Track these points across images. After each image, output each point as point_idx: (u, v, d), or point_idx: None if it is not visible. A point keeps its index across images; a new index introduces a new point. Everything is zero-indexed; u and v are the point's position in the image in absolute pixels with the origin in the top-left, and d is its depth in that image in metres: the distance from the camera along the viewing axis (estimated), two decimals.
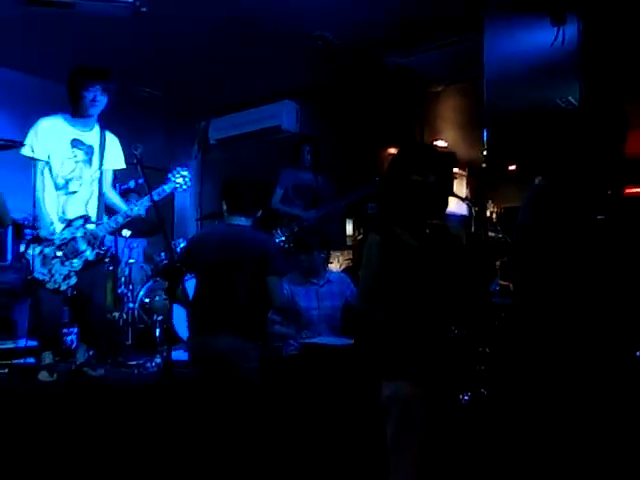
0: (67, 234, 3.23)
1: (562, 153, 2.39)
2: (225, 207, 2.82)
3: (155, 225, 3.01)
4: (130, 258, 4.62)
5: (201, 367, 2.61)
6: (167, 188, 3.28)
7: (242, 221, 2.77)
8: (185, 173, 3.31)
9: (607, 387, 1.86)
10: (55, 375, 3.22)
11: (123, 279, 4.48)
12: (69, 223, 3.24)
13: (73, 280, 3.20)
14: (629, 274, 2.01)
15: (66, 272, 3.18)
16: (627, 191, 2.43)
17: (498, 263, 4.83)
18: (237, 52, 4.61)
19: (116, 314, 4.23)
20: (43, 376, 3.19)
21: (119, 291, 4.35)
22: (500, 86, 3.85)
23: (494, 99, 3.93)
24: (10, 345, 3.79)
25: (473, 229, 1.90)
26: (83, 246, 3.21)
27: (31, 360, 3.47)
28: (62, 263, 3.19)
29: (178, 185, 3.29)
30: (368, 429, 2.17)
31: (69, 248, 3.21)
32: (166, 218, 6.24)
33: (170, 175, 3.33)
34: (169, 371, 2.60)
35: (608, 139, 2.09)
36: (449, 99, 5.60)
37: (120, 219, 3.27)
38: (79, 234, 3.23)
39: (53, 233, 3.21)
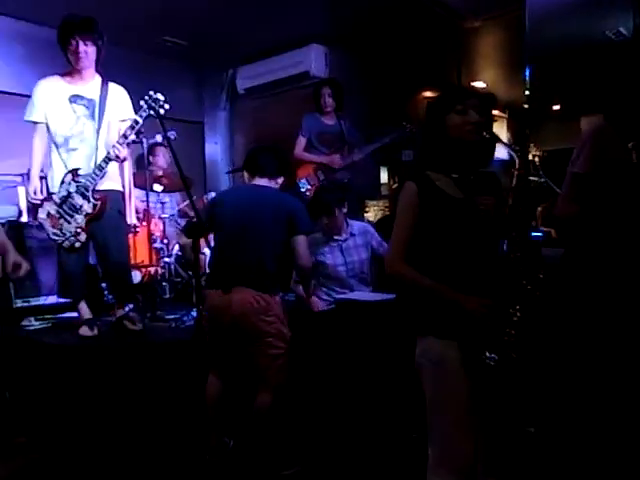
0: (63, 192, 3.24)
1: (616, 89, 2.21)
2: (246, 175, 2.79)
3: (181, 179, 2.95)
4: (163, 213, 4.65)
5: (215, 324, 2.61)
6: (139, 118, 3.16)
7: (264, 182, 2.73)
8: (159, 97, 3.13)
9: None
10: (95, 329, 3.32)
11: (158, 234, 4.53)
12: (62, 180, 3.25)
13: (83, 236, 3.22)
14: None
15: (73, 230, 3.21)
16: None
17: (540, 209, 4.67)
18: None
19: (152, 269, 4.31)
20: (84, 331, 3.30)
21: (154, 246, 4.41)
22: (543, 18, 3.62)
23: (537, 33, 3.71)
24: (53, 301, 3.91)
25: (515, 178, 1.76)
26: (79, 200, 3.22)
27: (74, 315, 3.57)
28: (68, 221, 3.23)
29: (150, 112, 3.12)
30: (404, 387, 2.14)
31: (68, 205, 3.23)
32: (198, 172, 6.24)
33: (143, 103, 3.16)
34: (200, 326, 2.64)
35: None
36: (488, 35, 5.28)
37: (103, 164, 3.20)
38: (72, 189, 3.23)
39: (53, 193, 3.25)
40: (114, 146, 3.17)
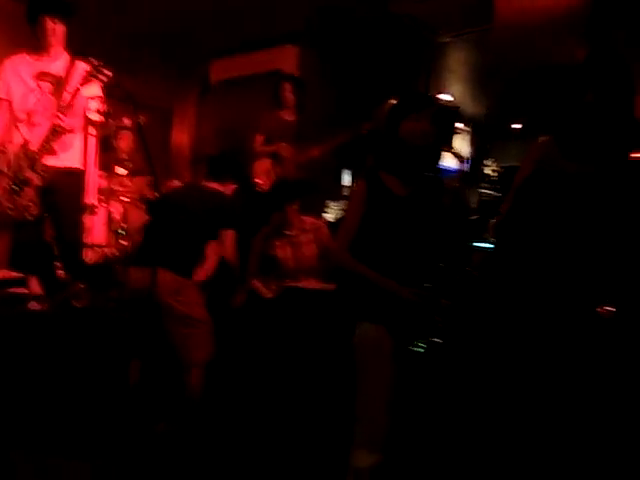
0: (15, 165, 3.26)
1: (567, 110, 2.39)
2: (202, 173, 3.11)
3: (146, 164, 3.04)
4: (124, 196, 4.67)
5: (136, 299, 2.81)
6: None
7: (215, 185, 3.00)
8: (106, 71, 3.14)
9: (569, 343, 1.95)
10: (44, 305, 3.34)
11: (117, 216, 4.55)
12: (16, 154, 3.26)
13: (34, 210, 3.24)
14: (616, 236, 2.05)
15: (25, 203, 3.23)
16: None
17: (493, 221, 4.89)
18: None
19: (108, 250, 4.32)
20: (32, 306, 3.31)
21: (113, 228, 4.43)
22: (510, 39, 3.81)
23: (501, 53, 3.90)
24: (2, 276, 3.89)
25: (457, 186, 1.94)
26: (29, 174, 3.23)
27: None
28: (19, 194, 3.24)
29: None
30: (342, 372, 2.27)
31: (18, 177, 3.24)
32: (161, 156, 6.26)
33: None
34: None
35: (615, 98, 2.08)
36: (457, 51, 5.51)
37: (52, 136, 3.21)
38: (22, 162, 3.25)
39: (10, 167, 3.26)
40: (59, 116, 3.18)
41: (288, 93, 4.49)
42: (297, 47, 5.47)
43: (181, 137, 6.61)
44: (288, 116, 4.56)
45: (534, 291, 1.99)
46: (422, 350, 1.79)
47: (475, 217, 3.96)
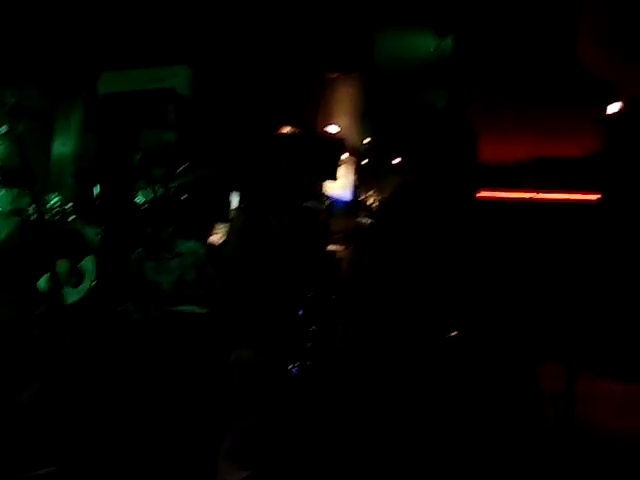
0: None
1: (425, 151, 2.71)
2: None
3: (22, 174, 2.93)
4: None
5: None
6: None
7: None
8: None
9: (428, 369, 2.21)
10: None
11: None
12: None
13: None
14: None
15: None
16: (481, 195, 2.79)
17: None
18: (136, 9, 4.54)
19: None
20: None
21: None
22: (384, 82, 4.20)
23: (377, 94, 4.27)
24: None
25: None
26: None
27: None
28: None
29: None
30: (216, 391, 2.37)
31: None
32: (41, 170, 5.99)
33: None
34: None
35: (460, 143, 2.41)
36: (344, 87, 5.91)
37: None
38: None
39: None
40: None
41: (171, 113, 4.57)
42: (189, 68, 5.55)
43: (63, 148, 6.37)
44: (168, 135, 4.68)
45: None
46: (294, 372, 1.95)
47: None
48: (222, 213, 6.03)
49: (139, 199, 4.50)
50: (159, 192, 4.48)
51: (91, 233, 2.78)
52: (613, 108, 5.45)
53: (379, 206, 5.86)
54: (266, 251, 2.08)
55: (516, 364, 3.02)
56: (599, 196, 7.53)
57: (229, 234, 2.19)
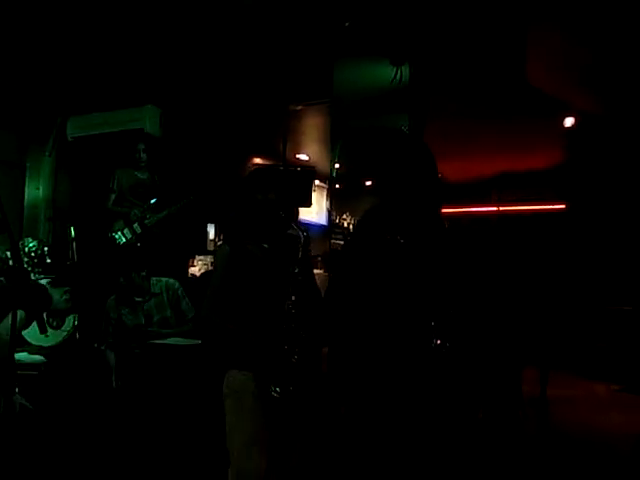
0: None
1: (389, 174, 2.85)
2: None
3: None
4: None
5: None
6: None
7: None
8: None
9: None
10: None
11: None
12: None
13: None
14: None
15: None
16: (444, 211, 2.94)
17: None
18: (102, 53, 4.68)
19: None
20: None
21: None
22: (346, 111, 4.40)
23: (342, 122, 4.47)
24: None
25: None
26: None
27: None
28: None
29: None
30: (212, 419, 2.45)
31: None
32: (15, 216, 6.02)
33: None
34: None
35: (420, 166, 2.56)
36: (309, 117, 6.12)
37: None
38: None
39: None
40: None
41: (142, 153, 4.67)
42: (158, 108, 5.69)
43: (35, 194, 6.42)
44: (142, 174, 4.72)
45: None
46: (277, 395, 2.04)
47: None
48: (199, 245, 6.15)
49: (119, 238, 4.56)
50: (138, 230, 4.55)
51: (57, 294, 2.76)
52: (568, 122, 5.75)
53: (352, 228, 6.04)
54: (252, 280, 2.17)
55: (499, 370, 3.17)
56: (564, 206, 7.86)
57: (215, 267, 2.31)
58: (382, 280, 2.38)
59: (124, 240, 4.57)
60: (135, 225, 4.59)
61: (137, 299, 3.50)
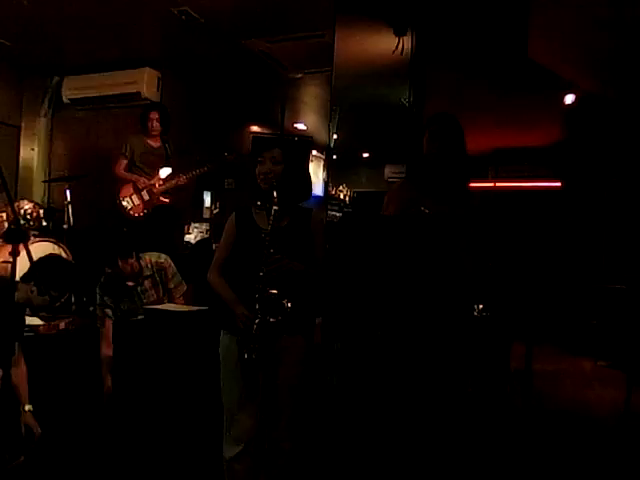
0: None
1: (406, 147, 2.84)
2: None
3: None
4: None
5: None
6: None
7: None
8: None
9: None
10: None
11: None
12: None
13: None
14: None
15: None
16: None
17: None
18: (97, 13, 4.62)
19: None
20: None
21: None
22: (347, 81, 4.39)
23: (341, 92, 4.46)
24: None
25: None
26: None
27: None
28: None
29: None
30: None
31: None
32: (8, 176, 6.02)
33: None
34: None
35: (444, 139, 2.56)
36: (309, 86, 6.09)
37: None
38: None
39: None
40: None
41: (155, 122, 4.69)
42: (156, 71, 5.65)
43: (30, 155, 6.41)
44: (154, 142, 4.76)
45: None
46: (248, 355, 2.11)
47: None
48: (195, 213, 6.18)
49: (127, 203, 4.62)
50: (145, 197, 4.60)
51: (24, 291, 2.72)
52: (568, 99, 5.75)
53: (352, 200, 6.07)
54: (254, 252, 2.18)
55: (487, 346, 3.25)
56: (560, 184, 7.91)
57: (223, 234, 2.35)
58: (409, 253, 2.42)
59: (131, 206, 4.62)
60: (142, 192, 4.65)
61: (130, 283, 3.42)
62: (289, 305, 2.12)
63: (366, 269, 2.62)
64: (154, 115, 4.70)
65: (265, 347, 2.12)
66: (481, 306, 2.86)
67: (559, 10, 4.17)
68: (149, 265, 3.49)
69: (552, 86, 5.25)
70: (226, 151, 4.94)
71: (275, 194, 2.16)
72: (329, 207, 5.87)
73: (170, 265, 3.57)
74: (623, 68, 4.89)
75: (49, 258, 2.92)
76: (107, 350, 3.34)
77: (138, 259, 3.44)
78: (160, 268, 3.51)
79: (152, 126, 4.69)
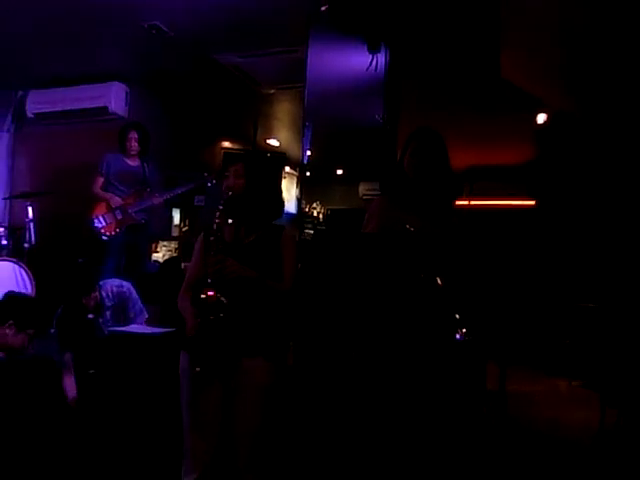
0: None
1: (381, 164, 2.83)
2: None
3: None
4: None
5: None
6: None
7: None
8: None
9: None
10: None
11: None
12: None
13: None
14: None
15: None
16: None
17: None
18: (65, 27, 4.56)
19: None
20: None
21: None
22: (319, 97, 4.40)
23: (314, 108, 4.47)
24: None
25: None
26: None
27: None
28: None
29: None
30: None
31: None
32: None
33: None
34: None
35: (427, 155, 2.55)
36: (281, 102, 6.10)
37: None
38: None
39: None
40: None
41: (134, 142, 4.68)
42: (125, 85, 5.60)
43: None
44: (131, 161, 4.74)
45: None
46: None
47: None
48: (164, 231, 6.09)
49: (98, 223, 4.54)
50: (118, 217, 4.54)
51: None
52: (540, 119, 5.87)
53: (326, 217, 6.06)
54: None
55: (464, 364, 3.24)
56: (534, 202, 8.04)
57: (193, 256, 2.32)
58: (393, 271, 2.39)
59: (101, 225, 4.53)
60: (116, 211, 4.58)
61: (90, 316, 3.35)
62: (223, 300, 2.08)
63: (342, 288, 2.61)
64: (133, 135, 4.69)
65: (218, 365, 2.09)
66: (464, 330, 2.86)
67: (528, 28, 4.27)
68: (110, 295, 3.45)
69: (525, 104, 5.35)
70: (201, 169, 4.90)
71: (230, 206, 2.17)
72: (303, 225, 5.85)
73: (131, 293, 3.54)
74: (592, 85, 5.02)
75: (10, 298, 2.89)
76: (72, 391, 3.17)
77: (100, 289, 3.38)
78: (121, 297, 3.48)
79: (130, 146, 4.68)
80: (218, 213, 2.16)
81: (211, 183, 4.69)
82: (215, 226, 2.13)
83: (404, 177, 2.56)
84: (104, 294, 3.40)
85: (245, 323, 2.14)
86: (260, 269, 2.17)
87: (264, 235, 2.27)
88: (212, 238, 2.12)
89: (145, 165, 4.75)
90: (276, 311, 2.24)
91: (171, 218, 6.28)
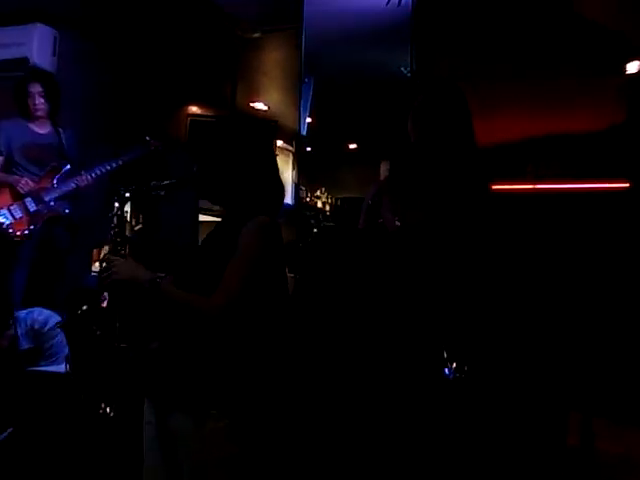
0: None
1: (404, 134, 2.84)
2: None
3: None
4: None
5: None
6: None
7: None
8: None
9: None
10: None
11: None
12: None
13: None
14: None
15: None
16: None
17: None
18: None
19: None
20: None
21: None
22: (323, 43, 4.38)
23: (316, 59, 4.46)
24: None
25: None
26: None
27: None
28: None
29: None
30: None
31: None
32: None
33: None
34: None
35: (448, 121, 2.55)
36: (270, 50, 6.08)
37: None
38: None
39: None
40: None
41: (39, 97, 4.57)
42: (52, 28, 5.57)
43: None
44: (39, 128, 4.65)
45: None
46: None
47: None
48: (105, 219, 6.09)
49: (5, 218, 4.48)
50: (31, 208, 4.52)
51: None
52: (631, 68, 5.81)
53: (334, 209, 6.04)
54: None
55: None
56: (627, 184, 7.97)
57: None
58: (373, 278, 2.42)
59: (9, 221, 4.44)
60: (27, 200, 4.49)
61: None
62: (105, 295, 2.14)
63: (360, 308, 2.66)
64: (35, 88, 4.57)
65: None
66: (454, 365, 2.80)
67: None
68: (29, 332, 3.58)
69: (608, 48, 5.30)
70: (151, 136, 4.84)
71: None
72: (302, 220, 5.82)
73: (52, 330, 3.61)
74: None
75: None
76: None
77: (14, 324, 3.47)
78: (40, 334, 3.58)
79: (34, 104, 4.57)
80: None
81: (156, 148, 4.67)
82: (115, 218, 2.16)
83: (407, 147, 2.58)
84: (19, 331, 3.51)
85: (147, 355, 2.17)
86: (205, 277, 2.07)
87: (223, 227, 2.21)
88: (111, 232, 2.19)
89: (60, 132, 4.68)
90: (195, 340, 2.05)
91: (121, 212, 6.27)
